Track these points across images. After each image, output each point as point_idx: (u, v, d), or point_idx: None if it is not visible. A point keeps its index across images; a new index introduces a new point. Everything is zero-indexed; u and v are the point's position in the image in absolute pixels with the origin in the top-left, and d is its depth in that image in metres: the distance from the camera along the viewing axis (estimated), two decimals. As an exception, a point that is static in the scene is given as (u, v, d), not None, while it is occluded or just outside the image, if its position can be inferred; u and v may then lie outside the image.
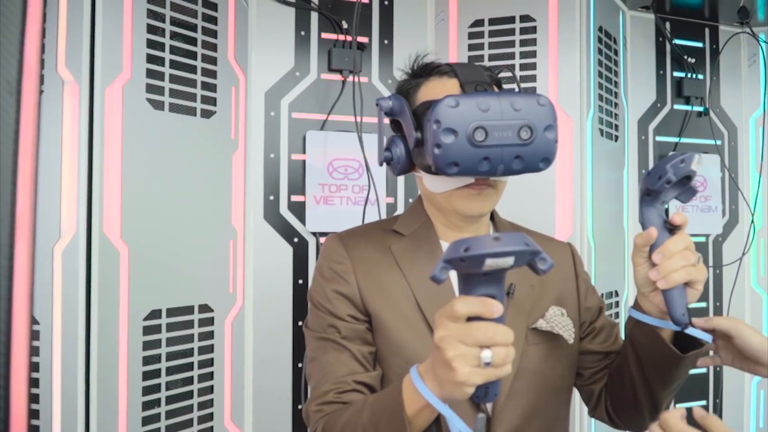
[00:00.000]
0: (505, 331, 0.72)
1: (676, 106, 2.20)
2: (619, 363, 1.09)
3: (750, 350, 0.97)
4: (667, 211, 0.95)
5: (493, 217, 1.15)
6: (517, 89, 1.07)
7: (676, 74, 2.21)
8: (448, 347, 0.71)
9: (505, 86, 1.10)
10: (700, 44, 2.24)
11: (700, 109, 2.22)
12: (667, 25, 2.20)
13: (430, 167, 0.95)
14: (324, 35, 1.81)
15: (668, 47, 2.20)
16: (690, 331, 0.94)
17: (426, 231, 1.08)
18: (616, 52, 2.06)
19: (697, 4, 2.15)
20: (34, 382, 1.41)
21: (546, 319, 1.05)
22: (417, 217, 1.10)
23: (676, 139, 2.19)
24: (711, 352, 1.06)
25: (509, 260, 0.68)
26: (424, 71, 1.06)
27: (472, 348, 0.71)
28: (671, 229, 0.92)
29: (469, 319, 0.72)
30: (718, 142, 2.25)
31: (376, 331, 1.02)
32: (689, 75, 2.21)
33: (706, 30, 2.26)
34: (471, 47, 1.88)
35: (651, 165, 2.16)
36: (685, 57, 2.19)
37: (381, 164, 1.05)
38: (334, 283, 1.03)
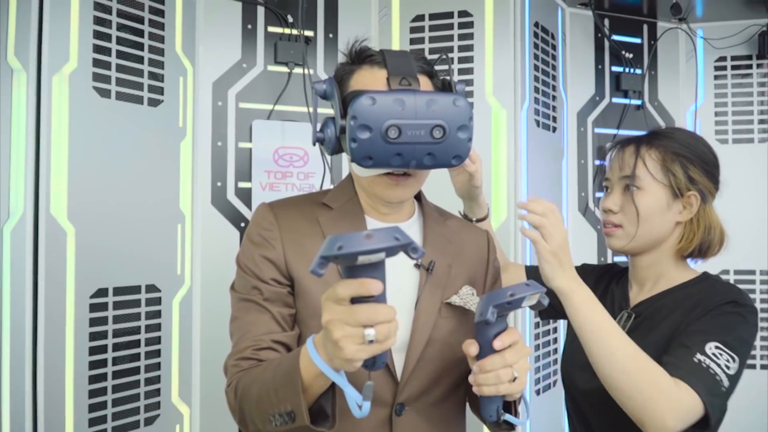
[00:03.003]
0: (386, 310, 0.78)
1: (614, 100, 2.31)
2: None
3: None
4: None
5: (420, 199, 1.23)
6: (449, 78, 1.12)
7: (615, 69, 2.31)
8: (334, 329, 0.78)
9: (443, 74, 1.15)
10: (638, 40, 2.35)
11: (638, 102, 2.33)
12: (607, 21, 2.31)
13: None
14: (270, 29, 1.90)
15: (607, 43, 2.30)
16: (507, 417, 1.01)
17: (353, 206, 1.14)
18: (554, 47, 2.16)
19: (635, 1, 2.25)
20: (-18, 356, 1.48)
21: (459, 296, 1.12)
22: (345, 192, 1.16)
23: (614, 131, 2.29)
24: None
25: (381, 255, 0.74)
26: (359, 57, 1.10)
27: (356, 328, 0.77)
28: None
29: (354, 300, 0.78)
30: (656, 134, 2.35)
31: (297, 295, 1.08)
32: (627, 70, 2.31)
33: (645, 26, 2.36)
34: (413, 41, 1.97)
35: (590, 155, 2.26)
36: (623, 52, 2.30)
37: (314, 144, 1.10)
38: (262, 248, 1.09)
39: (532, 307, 0.97)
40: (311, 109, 1.89)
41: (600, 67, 2.30)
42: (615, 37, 2.32)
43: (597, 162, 2.27)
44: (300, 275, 1.07)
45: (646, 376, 1.03)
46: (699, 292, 1.19)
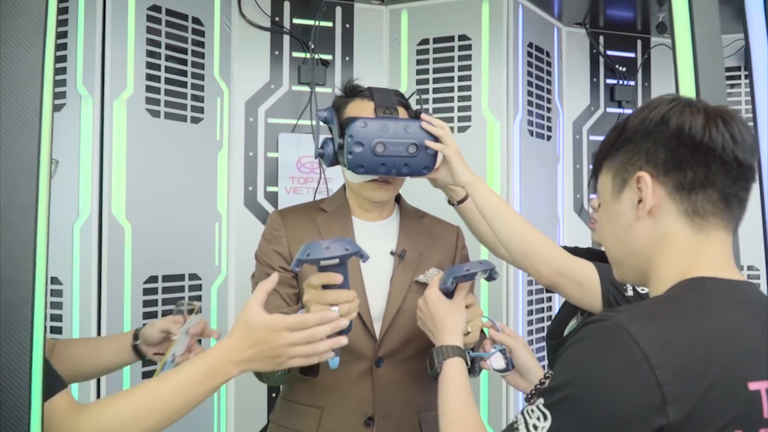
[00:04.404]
0: (347, 293, 1.08)
1: (608, 109, 2.53)
2: None
3: (520, 365, 1.31)
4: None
5: (400, 201, 1.51)
6: (420, 108, 1.42)
7: (609, 81, 2.53)
8: (311, 307, 1.10)
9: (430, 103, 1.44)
10: (632, 54, 2.56)
11: (631, 111, 2.54)
12: (602, 38, 2.53)
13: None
14: (294, 54, 2.20)
15: (601, 58, 2.52)
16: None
17: (343, 209, 1.45)
18: (548, 64, 2.39)
19: (627, 18, 2.47)
20: (57, 330, 1.83)
21: (426, 276, 1.41)
22: (338, 199, 1.47)
23: (608, 138, 2.51)
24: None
25: (336, 260, 1.06)
26: (352, 92, 1.42)
27: (325, 306, 1.08)
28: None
29: (325, 287, 1.09)
30: (649, 140, 2.56)
31: (300, 278, 1.38)
32: (621, 82, 2.53)
33: (639, 41, 2.57)
34: (419, 62, 2.25)
35: (585, 160, 2.49)
36: (617, 66, 2.52)
37: (316, 158, 1.42)
38: (272, 243, 1.40)
39: (486, 279, 1.26)
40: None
41: (595, 80, 2.52)
42: (610, 52, 2.54)
43: (592, 167, 2.50)
44: None
45: (530, 238, 1.30)
46: None
